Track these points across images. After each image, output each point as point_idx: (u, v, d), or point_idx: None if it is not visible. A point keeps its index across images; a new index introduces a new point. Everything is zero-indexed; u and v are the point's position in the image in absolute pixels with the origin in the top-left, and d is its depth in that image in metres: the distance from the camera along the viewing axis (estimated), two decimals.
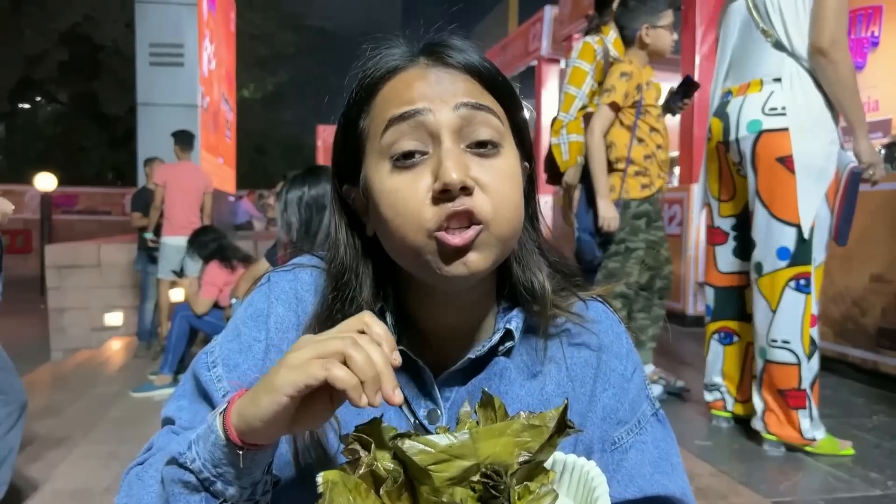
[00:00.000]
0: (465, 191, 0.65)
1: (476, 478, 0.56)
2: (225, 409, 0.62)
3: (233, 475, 0.62)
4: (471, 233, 0.66)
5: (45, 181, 10.60)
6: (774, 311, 2.75)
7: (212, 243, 4.63)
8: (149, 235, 5.91)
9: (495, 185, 0.67)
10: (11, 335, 7.03)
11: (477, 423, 0.65)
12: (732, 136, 2.85)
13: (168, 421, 0.81)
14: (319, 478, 0.56)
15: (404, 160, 0.68)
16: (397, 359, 0.57)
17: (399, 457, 0.57)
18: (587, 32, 3.83)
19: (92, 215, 14.39)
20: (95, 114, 20.50)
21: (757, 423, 2.89)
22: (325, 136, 17.60)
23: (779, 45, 2.73)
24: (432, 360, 0.77)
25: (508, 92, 0.73)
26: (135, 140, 8.41)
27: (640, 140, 3.41)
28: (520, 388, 0.78)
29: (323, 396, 0.59)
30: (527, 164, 0.78)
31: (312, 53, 28.09)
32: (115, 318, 6.27)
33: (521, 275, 0.78)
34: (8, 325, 7.22)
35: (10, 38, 17.75)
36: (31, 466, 3.03)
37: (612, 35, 3.70)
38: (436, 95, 0.67)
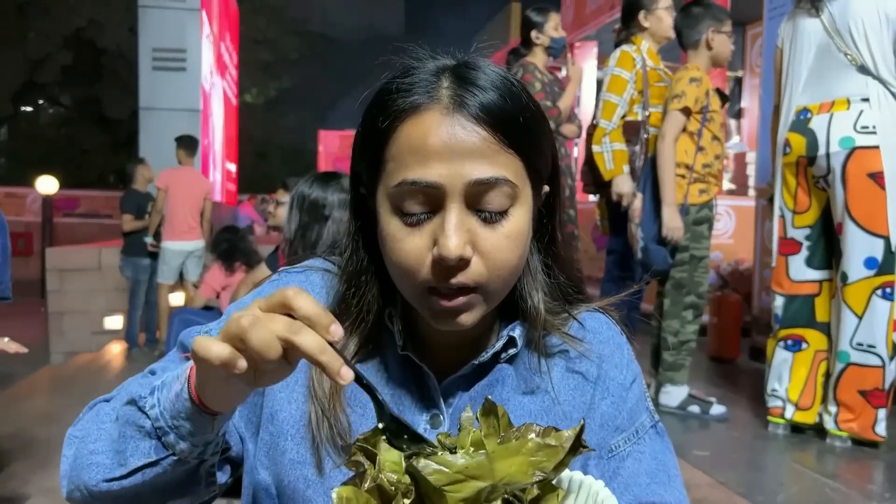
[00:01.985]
0: (462, 261, 0.67)
1: (499, 502, 0.56)
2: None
3: (187, 431, 0.63)
4: (460, 300, 0.70)
5: (47, 184, 10.60)
6: (861, 318, 2.92)
7: (223, 244, 4.71)
8: (149, 239, 5.92)
9: (495, 252, 0.69)
10: (11, 337, 7.02)
11: (480, 430, 0.65)
12: (822, 151, 2.98)
13: (150, 372, 0.82)
14: (334, 494, 0.56)
15: (411, 219, 0.69)
16: (337, 332, 0.56)
17: (412, 473, 0.57)
18: (616, 45, 3.83)
19: (93, 218, 14.37)
20: (98, 117, 20.56)
21: (829, 423, 3.04)
22: (327, 141, 17.60)
23: (863, 69, 2.89)
24: (436, 366, 0.78)
25: (527, 135, 0.71)
26: (136, 144, 8.43)
27: (702, 148, 3.41)
28: (522, 396, 0.80)
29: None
30: (547, 187, 0.78)
31: (315, 59, 28.17)
32: (114, 322, 6.27)
33: (519, 293, 0.80)
34: (7, 327, 7.21)
35: (15, 42, 17.80)
36: (29, 470, 3.03)
37: (644, 45, 3.71)
38: (450, 164, 0.67)
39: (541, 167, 0.74)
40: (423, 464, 0.56)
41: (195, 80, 8.51)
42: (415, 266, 0.69)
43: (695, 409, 3.47)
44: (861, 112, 2.89)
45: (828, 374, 3.10)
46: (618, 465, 0.82)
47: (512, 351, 0.80)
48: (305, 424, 0.76)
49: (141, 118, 8.38)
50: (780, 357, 3.20)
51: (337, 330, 0.56)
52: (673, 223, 3.33)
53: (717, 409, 3.45)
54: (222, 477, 0.78)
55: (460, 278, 0.68)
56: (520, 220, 0.71)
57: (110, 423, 0.69)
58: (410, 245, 0.69)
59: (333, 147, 17.15)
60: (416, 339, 0.80)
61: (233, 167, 14.61)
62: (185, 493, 0.70)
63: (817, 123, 3.00)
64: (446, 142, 0.67)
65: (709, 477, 2.71)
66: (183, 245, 5.80)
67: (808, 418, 3.14)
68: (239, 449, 0.81)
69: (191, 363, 0.63)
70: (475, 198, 0.68)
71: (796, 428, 3.19)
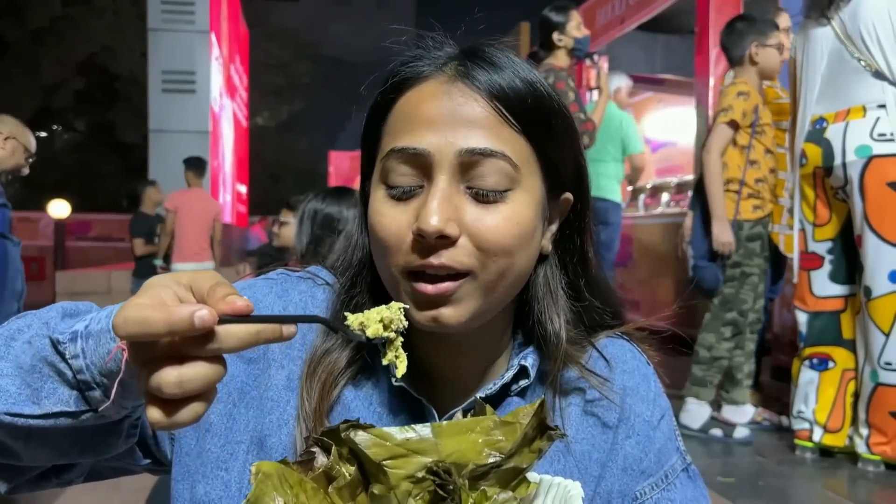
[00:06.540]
0: (446, 239, 0.59)
1: (421, 474, 0.51)
2: None
3: (118, 392, 0.54)
4: (446, 285, 0.60)
5: (59, 208, 10.66)
6: (888, 335, 2.76)
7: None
8: (159, 262, 5.88)
9: (487, 233, 0.60)
10: None
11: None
12: (837, 161, 2.89)
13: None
14: (252, 467, 0.50)
15: (395, 191, 0.62)
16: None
17: (354, 451, 0.52)
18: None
19: (105, 242, 14.45)
20: (111, 142, 20.75)
21: (860, 446, 2.87)
22: (338, 162, 17.65)
23: (878, 74, 2.80)
24: (438, 399, 0.69)
25: (540, 119, 0.64)
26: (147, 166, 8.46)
27: (754, 162, 3.35)
28: None
29: None
30: (569, 195, 0.69)
31: (327, 82, 28.38)
32: None
33: (537, 317, 0.70)
34: None
35: (29, 69, 18.05)
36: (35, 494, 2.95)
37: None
38: (442, 132, 0.60)
39: (558, 163, 0.66)
40: (360, 437, 0.51)
41: (204, 102, 8.56)
42: (394, 243, 0.61)
43: (717, 432, 3.33)
44: (878, 119, 2.80)
45: (856, 395, 2.96)
46: None
47: (524, 382, 0.70)
48: (293, 448, 0.67)
49: (151, 140, 8.44)
50: (806, 377, 3.07)
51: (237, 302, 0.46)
52: (723, 237, 3.24)
53: (742, 433, 3.31)
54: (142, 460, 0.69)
55: (444, 260, 0.59)
56: (521, 207, 0.62)
57: (22, 343, 0.58)
58: (391, 220, 0.61)
59: (344, 168, 17.20)
60: (415, 368, 0.69)
61: (243, 189, 14.65)
62: (101, 444, 0.61)
63: (833, 133, 2.91)
64: (440, 109, 0.60)
65: None
66: (193, 267, 5.75)
67: (838, 441, 2.99)
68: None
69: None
70: (468, 172, 0.60)
71: (825, 452, 3.04)
